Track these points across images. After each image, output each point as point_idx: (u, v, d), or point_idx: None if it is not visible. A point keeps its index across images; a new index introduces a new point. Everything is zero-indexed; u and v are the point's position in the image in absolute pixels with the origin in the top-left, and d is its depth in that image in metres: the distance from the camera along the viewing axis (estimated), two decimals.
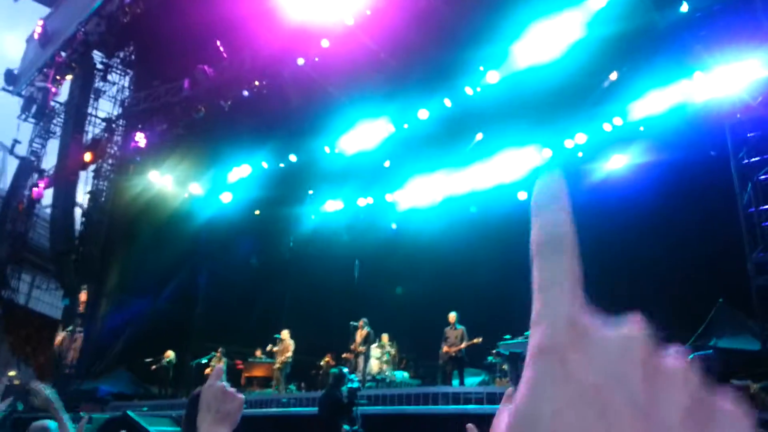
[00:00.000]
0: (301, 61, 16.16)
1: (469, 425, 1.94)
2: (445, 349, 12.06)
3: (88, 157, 20.49)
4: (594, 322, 0.33)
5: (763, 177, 9.93)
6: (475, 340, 11.74)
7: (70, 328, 18.60)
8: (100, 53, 21.75)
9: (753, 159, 10.07)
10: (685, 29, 11.71)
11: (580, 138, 14.89)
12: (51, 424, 4.66)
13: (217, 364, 15.24)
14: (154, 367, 16.42)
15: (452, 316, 12.22)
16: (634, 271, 12.53)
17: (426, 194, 17.65)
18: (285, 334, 14.48)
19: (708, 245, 11.17)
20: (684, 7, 11.96)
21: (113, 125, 21.08)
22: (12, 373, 20.25)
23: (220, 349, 15.98)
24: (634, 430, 0.29)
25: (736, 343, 9.38)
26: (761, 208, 9.76)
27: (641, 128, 13.64)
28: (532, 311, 0.34)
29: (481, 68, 14.90)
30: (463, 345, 11.78)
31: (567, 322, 0.32)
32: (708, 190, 11.23)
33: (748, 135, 10.23)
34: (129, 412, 10.72)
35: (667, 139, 12.72)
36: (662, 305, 11.38)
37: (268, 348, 15.01)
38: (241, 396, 1.26)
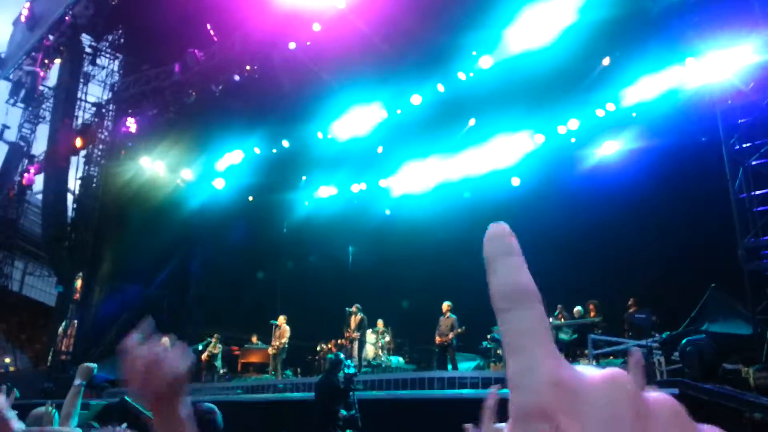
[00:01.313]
0: (292, 45, 16.00)
1: (467, 426, 2.00)
2: (437, 339, 12.25)
3: (78, 142, 20.29)
4: (576, 377, 0.32)
5: (754, 163, 10.01)
6: (459, 330, 11.95)
7: (65, 322, 18.55)
8: (88, 36, 21.45)
9: (744, 145, 10.15)
10: (677, 15, 11.70)
11: (573, 123, 14.96)
12: (51, 410, 4.72)
13: (213, 351, 15.29)
14: None
15: (445, 305, 12.35)
16: (627, 256, 12.67)
17: (419, 180, 17.68)
18: (281, 319, 14.56)
19: (700, 230, 11.30)
20: None
21: (103, 110, 20.85)
22: (8, 360, 20.25)
23: (215, 335, 16.06)
24: None
25: (727, 328, 9.53)
26: (752, 193, 9.85)
27: (634, 114, 13.71)
28: (507, 369, 0.33)
29: (474, 53, 14.86)
30: (451, 335, 11.96)
31: (550, 382, 0.32)
32: (700, 176, 11.33)
33: (740, 121, 10.29)
34: (127, 398, 10.77)
35: (660, 124, 12.80)
36: (655, 290, 11.55)
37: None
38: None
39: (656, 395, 0.33)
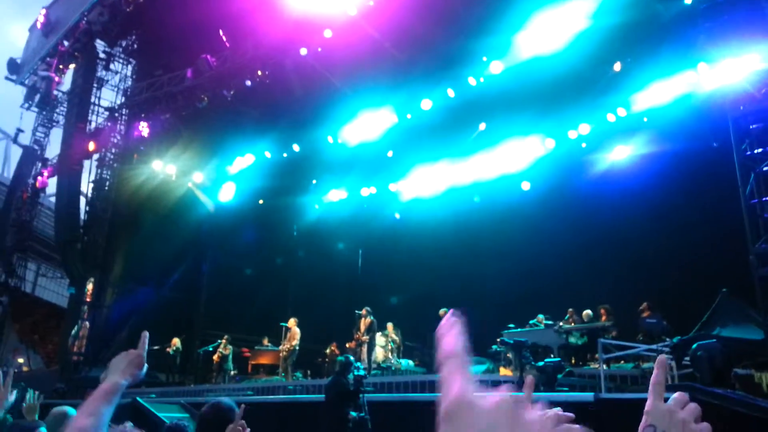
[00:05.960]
0: (304, 51, 16.14)
1: None
2: None
3: (91, 146, 20.50)
4: (473, 398, 0.52)
5: (765, 168, 10.00)
6: None
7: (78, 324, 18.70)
8: (102, 42, 21.69)
9: (756, 150, 10.14)
10: (689, 21, 11.73)
11: (584, 128, 14.96)
12: (70, 410, 4.79)
13: (223, 352, 15.40)
14: (167, 350, 16.64)
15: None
16: (638, 261, 12.65)
17: (429, 184, 17.72)
18: (292, 322, 14.65)
19: (711, 236, 11.28)
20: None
21: (116, 114, 21.05)
22: (21, 360, 20.40)
23: (226, 337, 16.16)
24: None
25: (739, 333, 9.50)
26: (764, 199, 9.84)
27: (645, 119, 13.71)
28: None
29: (485, 58, 14.91)
30: None
31: (456, 398, 0.52)
32: (711, 181, 11.32)
33: (751, 127, 10.29)
34: (138, 399, 10.87)
35: (671, 130, 12.79)
36: (666, 295, 11.53)
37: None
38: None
39: (545, 412, 0.54)
